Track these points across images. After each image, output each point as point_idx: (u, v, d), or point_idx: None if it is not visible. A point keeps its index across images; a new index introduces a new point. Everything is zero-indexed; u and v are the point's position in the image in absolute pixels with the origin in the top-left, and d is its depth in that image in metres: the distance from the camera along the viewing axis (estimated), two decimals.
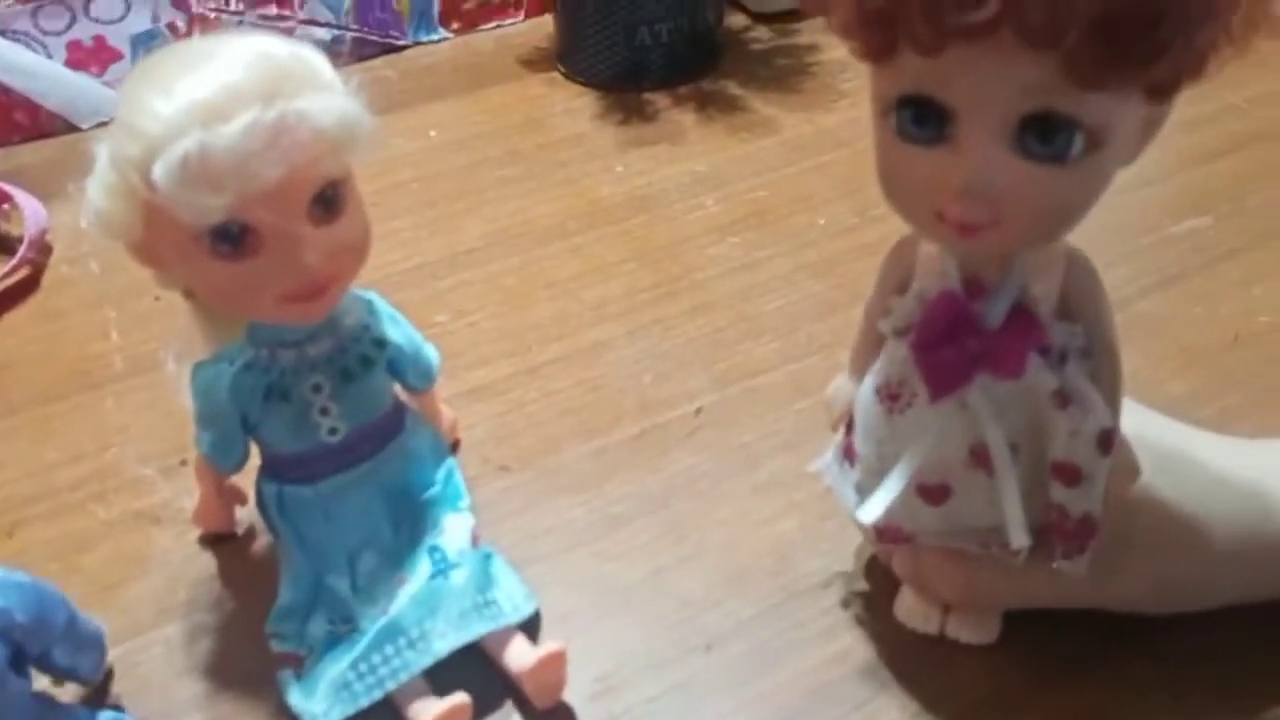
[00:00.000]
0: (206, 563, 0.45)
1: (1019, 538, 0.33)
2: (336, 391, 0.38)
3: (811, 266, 0.59)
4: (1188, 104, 0.29)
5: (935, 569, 0.38)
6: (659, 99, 0.76)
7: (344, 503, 0.40)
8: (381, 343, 0.39)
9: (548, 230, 0.64)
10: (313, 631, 0.39)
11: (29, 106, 0.74)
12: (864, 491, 0.36)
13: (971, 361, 0.32)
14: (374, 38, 0.82)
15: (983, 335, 0.31)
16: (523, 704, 0.39)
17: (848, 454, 0.38)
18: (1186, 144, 0.66)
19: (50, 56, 0.74)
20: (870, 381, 0.35)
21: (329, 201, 0.35)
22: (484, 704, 0.38)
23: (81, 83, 0.75)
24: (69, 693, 0.39)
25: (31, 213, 0.63)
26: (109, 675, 0.41)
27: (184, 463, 0.48)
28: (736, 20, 0.84)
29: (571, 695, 0.39)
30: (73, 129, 0.75)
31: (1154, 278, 0.56)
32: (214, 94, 0.32)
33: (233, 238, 0.33)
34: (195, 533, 0.46)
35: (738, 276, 0.59)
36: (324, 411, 0.38)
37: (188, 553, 0.45)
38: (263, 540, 0.45)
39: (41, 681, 0.37)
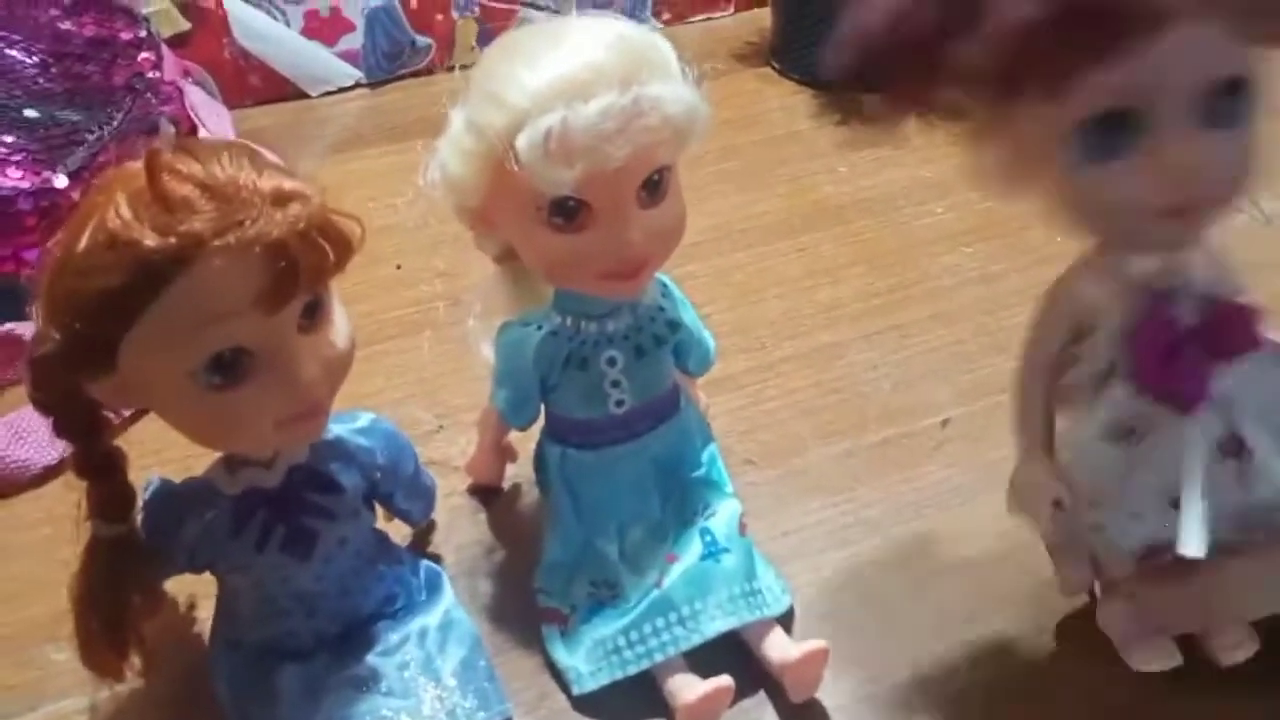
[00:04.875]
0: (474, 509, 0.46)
1: None
2: (629, 366, 0.39)
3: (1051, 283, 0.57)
4: None
5: (1164, 599, 0.36)
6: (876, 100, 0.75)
7: (621, 472, 0.40)
8: (675, 325, 0.40)
9: (772, 228, 0.63)
10: (576, 591, 0.40)
11: (264, 71, 0.77)
12: (1106, 532, 0.36)
13: (1206, 359, 0.32)
14: None
15: (1196, 333, 0.32)
16: (775, 695, 0.38)
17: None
18: None
19: (288, 24, 0.77)
20: (1091, 432, 0.34)
21: (656, 186, 0.35)
22: (738, 690, 0.38)
23: (315, 52, 0.78)
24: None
25: None
26: (431, 526, 0.45)
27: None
28: None
29: (830, 697, 0.39)
30: (302, 95, 0.78)
31: None
32: (577, 72, 0.32)
33: (569, 211, 0.34)
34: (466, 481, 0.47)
35: (975, 288, 0.58)
36: (615, 384, 0.39)
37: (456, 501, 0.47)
38: (528, 498, 0.46)
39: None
